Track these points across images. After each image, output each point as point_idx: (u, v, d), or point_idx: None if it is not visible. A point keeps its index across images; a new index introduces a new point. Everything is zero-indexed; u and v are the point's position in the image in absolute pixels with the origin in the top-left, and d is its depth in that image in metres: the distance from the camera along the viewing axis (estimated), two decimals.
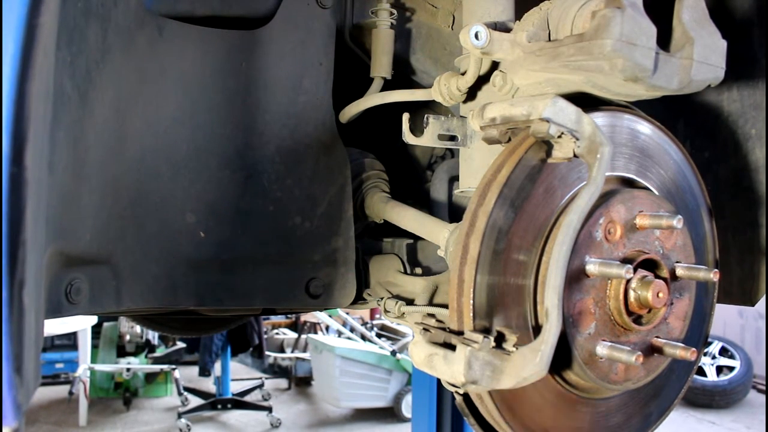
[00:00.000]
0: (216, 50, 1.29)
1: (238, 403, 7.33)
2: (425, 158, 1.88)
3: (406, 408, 6.93)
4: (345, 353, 7.02)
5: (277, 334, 9.46)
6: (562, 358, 0.97)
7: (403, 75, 1.56)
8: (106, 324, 8.10)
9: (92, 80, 1.10)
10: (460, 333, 0.93)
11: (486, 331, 0.92)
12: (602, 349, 1.00)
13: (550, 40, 1.03)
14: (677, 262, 1.11)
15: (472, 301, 0.93)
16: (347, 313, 8.80)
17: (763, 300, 1.59)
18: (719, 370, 7.90)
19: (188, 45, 1.27)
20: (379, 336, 8.45)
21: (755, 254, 1.56)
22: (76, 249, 1.11)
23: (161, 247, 1.26)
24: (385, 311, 1.44)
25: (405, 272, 1.55)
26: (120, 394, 7.78)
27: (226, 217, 1.33)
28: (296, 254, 1.39)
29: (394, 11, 1.43)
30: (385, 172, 1.62)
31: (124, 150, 1.19)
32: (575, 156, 0.94)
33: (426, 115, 1.25)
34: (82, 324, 6.90)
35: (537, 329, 0.98)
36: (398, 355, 7.04)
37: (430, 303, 1.35)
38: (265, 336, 8.19)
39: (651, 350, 1.08)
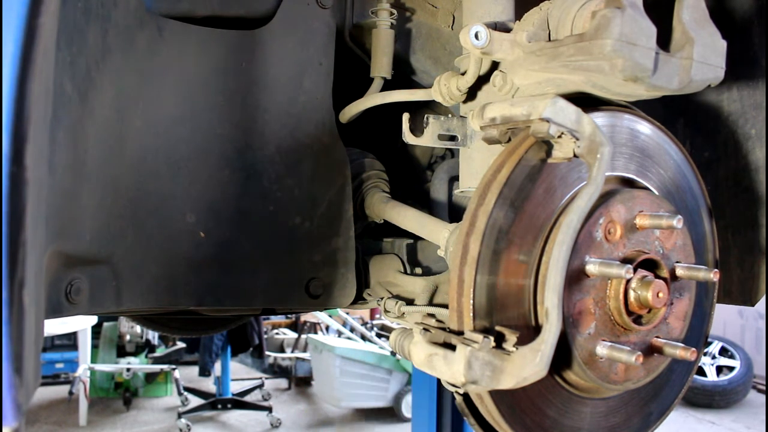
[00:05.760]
0: (216, 50, 1.29)
1: (238, 403, 7.33)
2: (425, 158, 1.88)
3: (406, 408, 6.93)
4: (345, 353, 7.02)
5: (277, 334, 9.46)
6: (562, 358, 0.98)
7: (403, 75, 1.56)
8: (106, 324, 8.10)
9: (92, 80, 1.10)
10: (460, 333, 0.93)
11: (486, 331, 0.92)
12: (602, 349, 1.00)
13: (550, 40, 1.03)
14: (677, 262, 1.11)
15: (472, 301, 0.93)
16: (347, 313, 8.80)
17: (763, 300, 1.59)
18: (719, 370, 7.90)
19: (188, 45, 1.27)
20: (379, 336, 8.45)
21: (755, 254, 1.56)
22: (76, 249, 1.11)
23: (161, 247, 1.26)
24: (385, 311, 1.44)
25: (405, 272, 1.55)
26: (120, 394, 7.79)
27: (226, 217, 1.32)
28: (296, 254, 1.39)
29: (394, 11, 1.43)
30: (385, 172, 1.61)
31: (124, 150, 1.19)
32: (575, 156, 0.94)
33: (426, 115, 1.25)
34: (82, 324, 6.90)
35: (537, 329, 0.98)
36: (398, 355, 7.02)
37: (430, 303, 1.35)
38: (265, 336, 8.19)
39: (651, 350, 1.08)
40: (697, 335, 1.22)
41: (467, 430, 3.98)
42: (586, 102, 1.02)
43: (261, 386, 7.96)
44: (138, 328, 8.16)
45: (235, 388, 7.67)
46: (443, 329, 0.96)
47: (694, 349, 1.06)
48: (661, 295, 1.02)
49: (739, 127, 1.56)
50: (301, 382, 8.68)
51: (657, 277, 1.05)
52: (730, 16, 1.52)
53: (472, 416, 1.07)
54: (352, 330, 8.73)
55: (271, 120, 1.35)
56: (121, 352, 8.25)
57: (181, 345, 8.29)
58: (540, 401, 1.02)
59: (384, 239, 1.66)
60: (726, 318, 8.84)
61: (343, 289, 1.44)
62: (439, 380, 1.21)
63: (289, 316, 9.51)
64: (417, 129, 1.26)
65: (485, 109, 1.01)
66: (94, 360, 7.72)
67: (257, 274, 1.36)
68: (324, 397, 7.57)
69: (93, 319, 6.96)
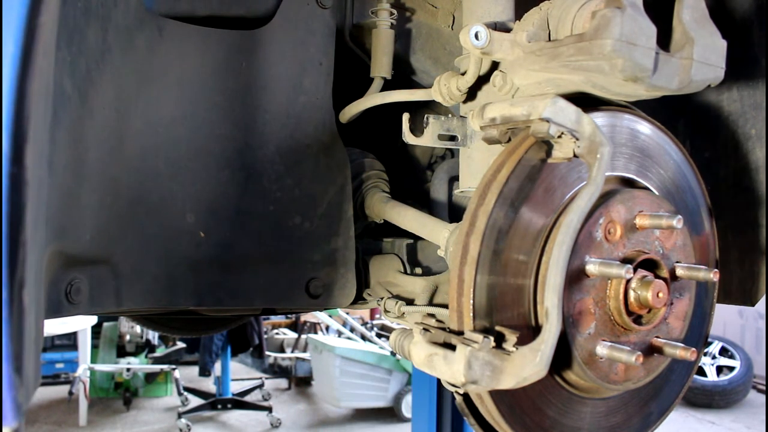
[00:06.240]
0: (216, 50, 1.29)
1: (238, 403, 7.33)
2: (425, 158, 1.88)
3: (406, 408, 6.93)
4: (345, 353, 7.02)
5: (277, 334, 9.46)
6: (562, 358, 0.97)
7: (403, 75, 1.56)
8: (106, 324, 8.10)
9: (92, 80, 1.10)
10: (460, 333, 0.93)
11: (486, 331, 0.92)
12: (602, 349, 1.00)
13: (550, 40, 1.03)
14: (677, 262, 1.11)
15: (472, 301, 0.93)
16: (347, 313, 8.80)
17: (763, 300, 1.59)
18: (719, 370, 7.90)
19: (188, 45, 1.27)
20: (379, 336, 8.45)
21: (755, 254, 1.56)
22: (76, 249, 1.11)
23: (161, 247, 1.26)
24: (385, 311, 1.44)
25: (405, 272, 1.54)
26: (120, 394, 7.79)
27: (226, 217, 1.33)
28: (296, 254, 1.39)
29: (394, 11, 1.43)
30: (385, 172, 1.62)
31: (124, 150, 1.19)
32: (575, 156, 0.94)
33: (426, 115, 1.25)
34: (82, 324, 6.90)
35: (537, 329, 0.98)
36: (398, 355, 7.01)
37: (430, 303, 1.35)
38: (265, 336, 8.20)
39: (651, 350, 1.08)
40: (697, 335, 1.22)
41: (467, 430, 3.99)
42: (586, 102, 1.02)
43: (261, 386, 7.96)
44: (138, 328, 8.16)
45: (235, 388, 7.67)
46: (443, 329, 0.96)
47: (694, 349, 1.06)
48: (661, 295, 1.02)
49: (739, 127, 1.56)
50: (301, 382, 8.68)
51: (657, 277, 1.05)
52: (730, 16, 1.51)
53: (472, 416, 1.07)
54: (352, 330, 8.73)
55: (271, 120, 1.35)
56: (121, 352, 8.25)
57: (181, 345, 8.29)
58: (540, 401, 1.02)
59: (384, 239, 1.66)
60: (726, 318, 8.84)
61: (343, 289, 1.44)
62: (439, 380, 1.21)
63: (289, 316, 9.51)
64: (417, 129, 1.26)
65: (485, 109, 1.01)
66: (94, 360, 7.72)
67: (257, 274, 1.36)
68: (324, 397, 7.57)
69: (93, 319, 6.97)
